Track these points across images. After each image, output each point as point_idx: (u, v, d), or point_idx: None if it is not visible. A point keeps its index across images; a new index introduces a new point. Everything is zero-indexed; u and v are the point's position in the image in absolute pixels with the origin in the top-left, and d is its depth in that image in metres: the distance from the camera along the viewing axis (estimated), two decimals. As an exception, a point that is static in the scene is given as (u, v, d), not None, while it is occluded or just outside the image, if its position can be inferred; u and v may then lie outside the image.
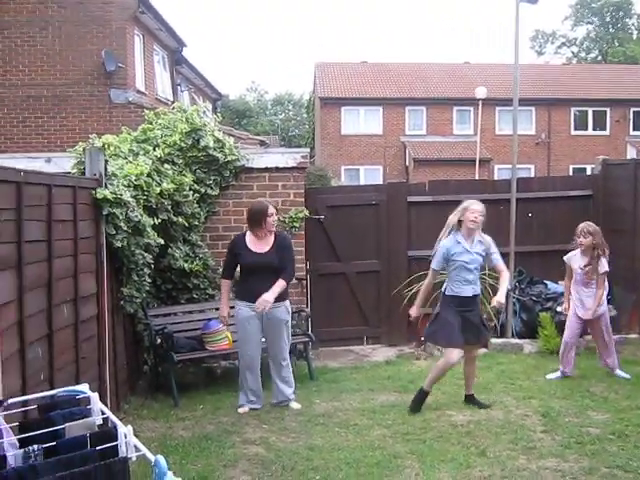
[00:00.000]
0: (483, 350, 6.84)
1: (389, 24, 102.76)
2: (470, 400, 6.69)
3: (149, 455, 3.01)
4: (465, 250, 6.39)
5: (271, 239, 6.63)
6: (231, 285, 6.96)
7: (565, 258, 7.50)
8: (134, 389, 7.42)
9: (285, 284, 6.61)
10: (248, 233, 6.69)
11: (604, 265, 7.22)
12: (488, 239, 6.53)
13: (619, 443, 5.61)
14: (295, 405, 6.79)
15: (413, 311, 6.86)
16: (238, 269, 6.83)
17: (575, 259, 7.38)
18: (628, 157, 30.01)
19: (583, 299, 7.35)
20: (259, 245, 6.59)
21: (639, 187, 9.14)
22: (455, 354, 6.41)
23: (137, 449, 3.08)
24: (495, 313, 8.67)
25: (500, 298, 6.42)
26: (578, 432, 5.87)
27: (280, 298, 6.58)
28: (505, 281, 6.58)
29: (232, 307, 6.93)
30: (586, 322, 7.44)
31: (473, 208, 6.37)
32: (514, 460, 5.33)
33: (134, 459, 3.10)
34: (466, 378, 6.78)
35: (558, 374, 7.54)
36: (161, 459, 2.89)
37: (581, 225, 7.33)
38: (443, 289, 6.62)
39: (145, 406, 6.96)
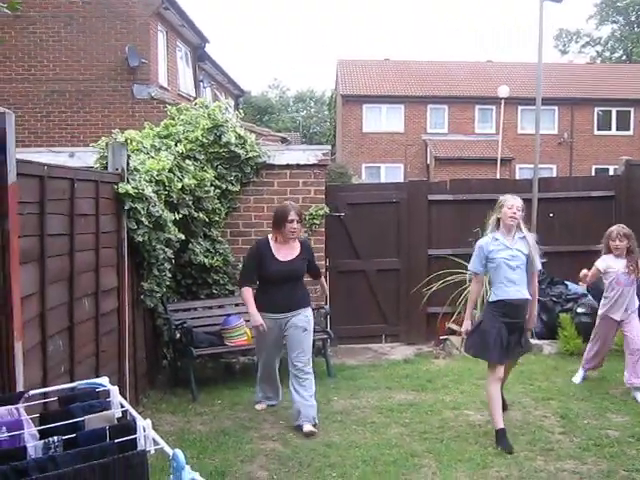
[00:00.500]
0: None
1: (412, 21, 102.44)
2: (504, 434, 5.73)
3: (167, 449, 3.03)
4: (505, 246, 5.74)
5: (297, 246, 6.25)
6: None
7: (599, 264, 7.03)
8: (153, 383, 7.46)
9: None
10: (271, 237, 6.26)
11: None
12: (532, 238, 5.86)
13: (638, 446, 5.57)
14: (310, 428, 5.98)
15: (465, 326, 6.01)
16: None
17: (613, 264, 6.96)
18: (652, 158, 29.77)
19: (626, 301, 6.96)
20: (284, 252, 6.18)
21: (662, 188, 9.05)
22: (497, 371, 5.75)
23: (155, 442, 3.09)
24: None
25: (530, 325, 6.09)
26: (597, 434, 5.83)
27: (302, 304, 6.23)
28: (535, 302, 6.05)
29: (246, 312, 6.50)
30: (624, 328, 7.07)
31: (510, 203, 5.78)
32: (532, 461, 5.30)
33: (152, 452, 3.11)
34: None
35: (581, 374, 7.39)
36: (179, 453, 2.90)
37: (614, 228, 7.01)
38: (487, 297, 6.09)
39: (164, 400, 7.00)
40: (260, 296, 6.25)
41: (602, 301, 7.21)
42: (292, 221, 6.09)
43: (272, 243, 6.22)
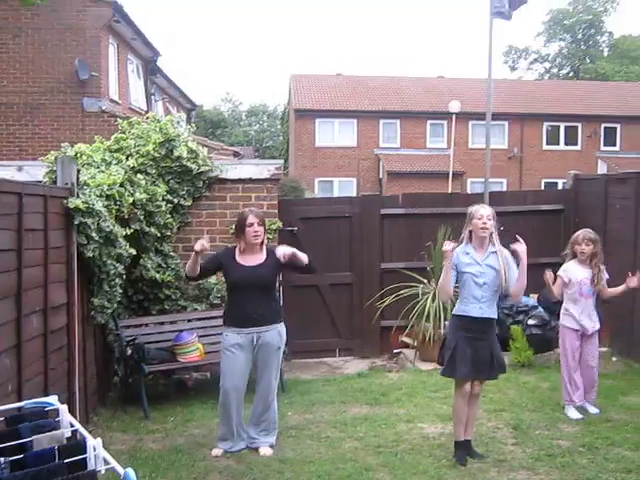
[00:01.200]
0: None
1: (364, 37, 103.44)
2: (465, 447, 5.67)
3: (118, 468, 2.98)
4: (474, 261, 5.54)
5: (263, 254, 5.93)
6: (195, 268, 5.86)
7: (562, 272, 6.85)
8: (104, 401, 7.34)
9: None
10: (237, 247, 5.96)
11: (605, 273, 6.83)
12: (506, 252, 5.61)
13: (589, 456, 5.66)
14: (266, 451, 5.87)
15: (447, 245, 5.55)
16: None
17: (576, 271, 6.80)
18: (599, 172, 30.45)
19: (588, 312, 6.80)
20: (248, 258, 5.87)
21: (609, 202, 9.26)
22: (463, 387, 5.61)
23: (106, 462, 3.05)
24: None
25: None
26: (549, 444, 5.91)
27: (274, 319, 5.91)
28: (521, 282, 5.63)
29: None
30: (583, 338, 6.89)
31: (480, 213, 5.56)
32: (485, 473, 5.35)
33: (103, 472, 3.06)
34: (467, 419, 5.70)
35: (574, 410, 6.79)
36: (130, 472, 2.87)
37: (581, 232, 6.84)
38: (454, 309, 5.80)
39: (115, 418, 6.89)
40: (229, 309, 6.02)
41: (563, 312, 6.96)
42: (252, 224, 5.79)
43: (237, 252, 5.93)
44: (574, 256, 6.85)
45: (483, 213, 5.56)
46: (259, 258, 5.91)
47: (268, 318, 5.87)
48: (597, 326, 6.88)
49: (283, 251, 5.76)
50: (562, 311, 6.97)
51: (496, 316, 5.69)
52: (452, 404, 5.84)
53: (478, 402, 5.84)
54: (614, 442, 5.94)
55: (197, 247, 5.66)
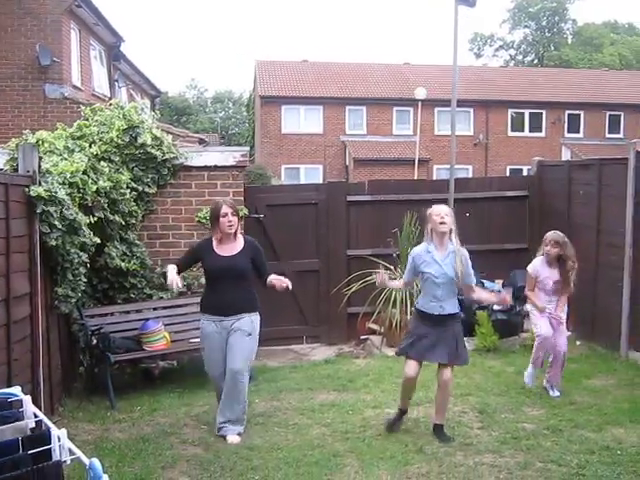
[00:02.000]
0: (450, 378, 5.84)
1: (330, 23, 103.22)
2: (437, 431, 5.85)
3: (84, 458, 2.96)
4: (434, 261, 5.76)
5: (239, 243, 6.10)
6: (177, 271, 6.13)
7: (530, 269, 7.12)
8: (69, 391, 7.26)
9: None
10: (214, 238, 6.11)
11: (571, 283, 6.99)
12: (464, 251, 5.84)
13: (553, 438, 5.75)
14: (234, 439, 5.90)
15: (381, 277, 6.07)
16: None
17: (541, 269, 7.05)
18: (563, 158, 30.73)
19: (552, 307, 7.05)
20: (225, 248, 6.04)
21: (573, 188, 9.37)
22: (409, 367, 5.84)
23: (71, 452, 3.02)
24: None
25: (501, 296, 6.24)
26: (514, 428, 5.99)
27: (248, 308, 6.03)
28: (483, 295, 6.26)
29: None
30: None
31: (437, 212, 5.80)
32: (451, 456, 5.40)
33: (68, 463, 3.04)
34: (436, 405, 5.96)
35: (531, 373, 7.26)
36: (96, 462, 2.85)
37: (549, 234, 7.05)
38: (416, 301, 6.08)
39: (80, 408, 6.82)
40: (205, 297, 6.21)
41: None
42: (226, 214, 5.95)
43: (214, 242, 6.09)
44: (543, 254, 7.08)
45: (440, 211, 5.82)
46: (235, 247, 6.08)
47: (242, 307, 6.01)
48: (563, 318, 7.08)
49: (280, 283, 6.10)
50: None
51: (457, 310, 5.90)
52: (429, 387, 6.34)
53: (448, 389, 5.88)
54: (578, 424, 6.04)
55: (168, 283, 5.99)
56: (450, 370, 5.82)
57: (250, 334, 6.01)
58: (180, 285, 6.01)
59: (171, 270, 6.05)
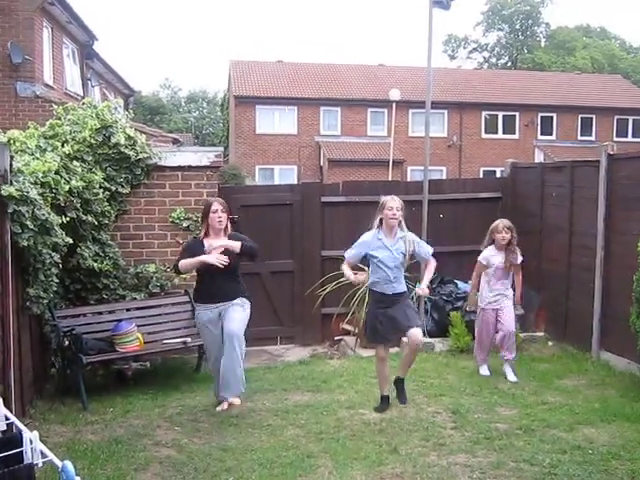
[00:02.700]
0: (421, 339, 6.42)
1: (305, 24, 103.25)
2: (398, 384, 6.64)
3: (56, 461, 2.93)
4: (385, 247, 6.32)
5: (226, 239, 6.54)
6: None
7: (482, 258, 7.68)
8: (41, 393, 7.18)
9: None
10: (201, 235, 6.64)
11: (519, 256, 7.61)
12: (412, 236, 6.47)
13: (525, 438, 5.79)
14: (235, 401, 6.59)
15: (348, 274, 6.47)
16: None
17: (494, 257, 7.60)
18: (536, 160, 31.06)
19: (502, 292, 7.63)
20: (214, 244, 6.49)
21: (545, 190, 9.46)
22: (379, 351, 6.56)
23: (43, 455, 3.00)
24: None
25: (423, 286, 6.50)
26: (487, 428, 6.03)
27: (237, 296, 6.53)
28: (430, 271, 6.59)
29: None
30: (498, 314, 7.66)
31: (390, 205, 6.31)
32: (425, 457, 5.42)
33: (40, 465, 3.01)
34: (403, 361, 6.74)
35: (485, 368, 7.85)
36: (68, 464, 2.82)
37: (500, 222, 7.62)
38: (369, 282, 6.54)
39: (52, 410, 6.75)
40: (198, 289, 6.72)
41: (483, 295, 7.76)
42: (216, 211, 6.45)
43: (203, 240, 6.54)
44: (492, 243, 7.64)
45: (392, 205, 6.31)
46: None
47: (232, 296, 6.53)
48: (508, 303, 7.67)
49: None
50: (479, 294, 7.82)
51: (406, 289, 6.52)
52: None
53: (416, 350, 6.52)
54: (550, 424, 6.09)
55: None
56: (420, 332, 6.37)
57: (242, 307, 6.53)
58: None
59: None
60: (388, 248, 6.31)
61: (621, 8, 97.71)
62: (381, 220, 6.37)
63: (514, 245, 7.57)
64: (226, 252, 6.41)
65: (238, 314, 6.47)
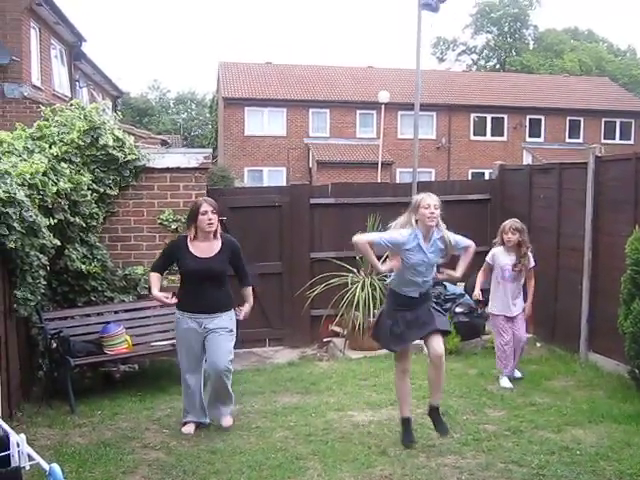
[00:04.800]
0: (442, 351, 5.52)
1: (294, 26, 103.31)
2: (432, 414, 5.73)
3: (43, 464, 2.92)
4: (420, 248, 5.46)
5: (217, 244, 6.03)
6: (161, 280, 6.30)
7: (488, 257, 7.55)
8: (28, 396, 7.14)
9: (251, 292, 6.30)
10: (188, 236, 6.05)
11: (532, 260, 7.46)
12: (447, 233, 5.59)
13: (514, 439, 5.81)
14: (227, 422, 6.17)
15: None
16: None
17: (501, 257, 7.43)
18: (524, 162, 31.18)
19: (510, 297, 7.40)
20: (202, 249, 5.96)
21: (534, 192, 9.49)
22: (400, 362, 5.77)
23: (31, 458, 2.98)
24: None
25: (455, 272, 5.76)
26: (475, 429, 6.04)
27: (224, 307, 6.01)
28: (470, 254, 5.80)
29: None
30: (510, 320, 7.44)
31: (426, 202, 5.46)
32: (414, 458, 5.42)
33: (28, 468, 3.00)
34: (430, 384, 5.79)
35: (506, 379, 7.41)
36: (56, 468, 2.81)
37: (508, 222, 7.43)
38: (389, 279, 5.85)
39: (40, 413, 6.71)
40: (181, 295, 6.10)
41: (490, 301, 7.61)
42: (205, 212, 5.91)
43: (189, 241, 6.01)
44: (502, 243, 7.44)
45: (430, 202, 5.48)
46: (213, 248, 6.02)
47: (219, 307, 6.01)
48: (518, 310, 7.48)
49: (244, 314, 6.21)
50: (490, 299, 7.61)
51: (431, 285, 5.79)
52: (392, 389, 6.17)
53: (441, 364, 5.57)
54: (538, 425, 6.11)
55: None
56: (442, 340, 5.57)
57: (231, 330, 6.05)
58: (170, 297, 6.04)
59: (154, 285, 6.08)
60: (424, 251, 5.48)
61: (609, 11, 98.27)
62: (417, 222, 5.51)
63: (526, 248, 7.35)
64: (216, 258, 5.97)
65: (224, 343, 5.95)
